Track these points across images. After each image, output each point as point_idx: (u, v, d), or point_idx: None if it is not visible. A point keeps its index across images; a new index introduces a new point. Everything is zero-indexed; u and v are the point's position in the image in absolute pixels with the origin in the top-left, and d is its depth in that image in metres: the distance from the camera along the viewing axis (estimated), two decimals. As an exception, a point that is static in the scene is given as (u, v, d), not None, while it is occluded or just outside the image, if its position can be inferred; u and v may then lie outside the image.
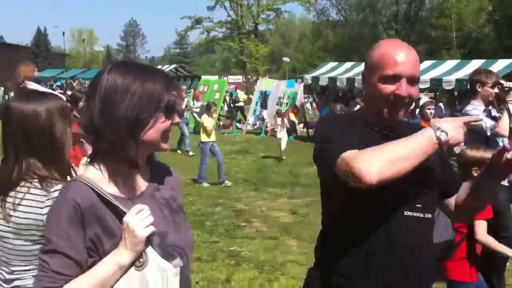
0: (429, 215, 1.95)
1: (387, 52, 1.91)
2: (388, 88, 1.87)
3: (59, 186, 1.92)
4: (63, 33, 64.88)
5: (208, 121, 10.54)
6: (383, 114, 1.92)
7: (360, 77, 15.59)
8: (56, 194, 1.86)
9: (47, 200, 1.93)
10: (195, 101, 18.89)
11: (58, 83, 32.19)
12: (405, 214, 1.87)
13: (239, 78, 58.40)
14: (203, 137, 10.55)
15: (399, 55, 1.88)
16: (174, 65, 32.34)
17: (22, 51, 71.25)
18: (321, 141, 1.98)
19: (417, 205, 1.90)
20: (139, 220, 1.43)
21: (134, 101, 1.49)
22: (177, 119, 1.60)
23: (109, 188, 1.52)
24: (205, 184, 10.36)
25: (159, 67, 26.77)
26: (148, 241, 1.44)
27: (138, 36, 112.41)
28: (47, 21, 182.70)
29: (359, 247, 1.90)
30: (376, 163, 1.67)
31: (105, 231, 1.47)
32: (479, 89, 4.96)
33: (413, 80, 1.88)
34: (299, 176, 11.44)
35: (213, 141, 10.63)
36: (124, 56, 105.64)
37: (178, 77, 29.35)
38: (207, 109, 10.99)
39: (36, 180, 1.97)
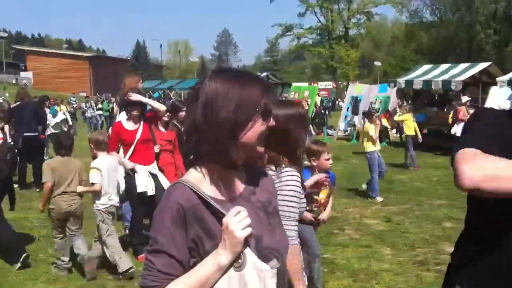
0: None
1: None
2: None
3: (287, 169, 2.57)
4: (161, 45, 67.75)
5: (371, 128, 9.83)
6: None
7: (457, 79, 15.01)
8: (284, 175, 2.57)
9: (278, 179, 2.52)
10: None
11: (156, 94, 33.49)
12: None
13: (329, 84, 57.97)
14: (369, 146, 9.82)
15: None
16: (265, 73, 32.73)
17: (122, 63, 75.45)
18: (462, 131, 1.86)
19: None
20: (238, 221, 1.45)
21: (234, 104, 1.53)
22: (273, 122, 1.62)
23: (209, 190, 1.57)
24: (379, 199, 9.48)
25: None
26: (246, 242, 1.46)
27: (231, 45, 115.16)
28: (146, 35, 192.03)
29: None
30: (484, 170, 1.53)
31: (205, 232, 1.51)
32: None
33: None
34: (392, 183, 11.18)
35: (378, 150, 9.98)
36: (217, 66, 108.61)
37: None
38: (368, 115, 10.41)
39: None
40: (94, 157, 5.76)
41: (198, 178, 1.59)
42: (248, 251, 1.47)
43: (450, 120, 15.77)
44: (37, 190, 10.31)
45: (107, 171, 5.65)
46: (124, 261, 5.52)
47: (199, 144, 1.59)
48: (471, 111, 10.69)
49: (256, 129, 1.57)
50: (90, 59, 67.11)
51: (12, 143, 8.81)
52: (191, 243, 1.51)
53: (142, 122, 6.20)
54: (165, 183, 6.18)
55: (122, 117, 6.38)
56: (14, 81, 58.32)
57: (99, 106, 28.25)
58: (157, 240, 1.51)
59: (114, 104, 20.41)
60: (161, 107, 6.46)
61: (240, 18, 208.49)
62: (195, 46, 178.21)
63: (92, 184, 5.54)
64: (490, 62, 19.40)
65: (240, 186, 1.66)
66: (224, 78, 1.59)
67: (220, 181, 1.60)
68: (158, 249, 1.49)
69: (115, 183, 5.80)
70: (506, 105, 10.92)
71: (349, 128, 21.74)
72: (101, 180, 5.55)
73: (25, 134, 10.28)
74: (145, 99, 6.46)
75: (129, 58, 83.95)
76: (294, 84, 32.12)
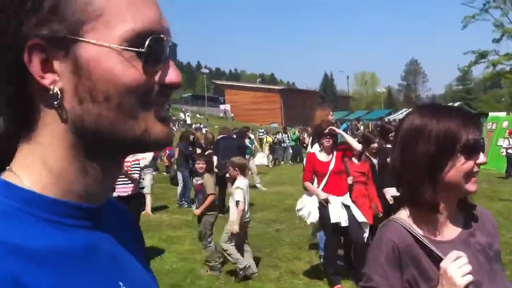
0: None
1: None
2: None
3: None
4: (347, 77, 68.23)
5: None
6: None
7: None
8: None
9: None
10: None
11: (344, 125, 33.69)
12: None
13: (531, 113, 52.92)
14: None
15: None
16: (457, 103, 31.23)
17: (311, 95, 77.79)
18: None
19: None
20: (458, 267, 1.38)
21: (431, 140, 1.47)
22: (482, 159, 1.49)
23: (423, 230, 1.53)
24: None
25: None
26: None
27: (419, 74, 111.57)
28: (333, 67, 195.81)
29: None
30: None
31: (421, 274, 1.47)
32: None
33: None
34: None
35: None
36: (404, 96, 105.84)
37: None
38: None
39: None
40: (234, 178, 6.78)
41: (411, 217, 1.55)
42: None
43: None
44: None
45: (246, 190, 6.64)
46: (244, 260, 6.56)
47: (399, 183, 1.60)
48: None
49: (459, 167, 1.47)
50: (281, 91, 70.63)
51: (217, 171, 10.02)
52: (406, 284, 1.47)
53: (335, 153, 6.41)
54: (358, 215, 6.26)
55: (315, 148, 6.68)
56: (217, 114, 63.59)
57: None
58: (372, 278, 1.50)
59: (305, 134, 21.12)
60: (357, 147, 6.62)
61: (428, 47, 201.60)
62: (382, 76, 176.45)
63: (237, 201, 6.48)
64: None
65: (457, 227, 1.57)
66: (421, 112, 1.55)
67: (434, 221, 1.54)
68: (372, 287, 1.49)
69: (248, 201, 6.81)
70: None
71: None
72: (243, 198, 6.51)
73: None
74: (344, 135, 6.71)
75: (317, 90, 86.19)
76: (490, 114, 30.03)
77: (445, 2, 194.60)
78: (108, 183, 0.78)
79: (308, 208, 6.43)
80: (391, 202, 6.88)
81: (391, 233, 1.53)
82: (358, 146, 6.63)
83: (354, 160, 6.91)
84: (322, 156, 6.41)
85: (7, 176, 0.71)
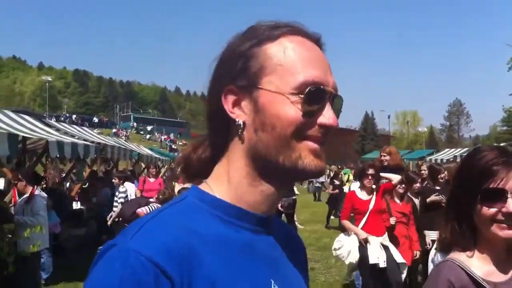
0: None
1: None
2: None
3: None
4: (389, 116, 67.75)
5: None
6: None
7: None
8: None
9: None
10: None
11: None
12: None
13: None
14: None
15: None
16: (502, 143, 30.34)
17: (351, 134, 77.50)
18: None
19: None
20: None
21: (473, 172, 1.57)
22: (510, 207, 1.48)
23: (478, 271, 1.53)
24: None
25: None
26: None
27: (462, 115, 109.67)
28: (375, 105, 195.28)
29: None
30: None
31: None
32: None
33: None
34: None
35: None
36: (446, 136, 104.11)
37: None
38: None
39: None
40: None
41: (466, 258, 1.56)
42: None
43: None
44: None
45: None
46: None
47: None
48: None
49: (484, 212, 1.51)
50: (323, 130, 70.62)
51: None
52: None
53: (375, 193, 6.32)
54: (397, 256, 6.14)
55: (355, 186, 6.59)
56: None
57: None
58: None
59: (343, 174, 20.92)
60: (396, 178, 6.54)
61: (473, 87, 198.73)
62: (424, 116, 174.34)
63: None
64: None
65: (510, 268, 1.57)
66: (476, 152, 1.62)
67: (488, 262, 1.56)
68: None
69: None
70: None
71: None
72: None
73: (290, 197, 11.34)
74: (385, 175, 6.64)
75: (357, 129, 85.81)
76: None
77: (491, 43, 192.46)
78: (273, 201, 1.00)
79: (347, 248, 6.32)
80: (428, 246, 6.73)
81: (447, 271, 1.53)
82: (397, 178, 6.52)
83: (397, 200, 6.80)
84: (363, 195, 6.33)
85: (202, 185, 1.00)
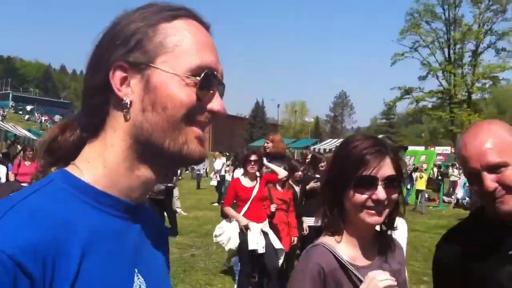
0: None
1: None
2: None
3: None
4: (278, 106, 69.42)
5: None
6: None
7: None
8: None
9: None
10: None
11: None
12: None
13: (447, 149, 55.71)
14: None
15: None
16: (380, 136, 32.23)
17: (240, 121, 78.20)
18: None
19: None
20: (382, 278, 1.49)
21: (336, 170, 1.67)
22: (379, 195, 1.56)
23: (345, 255, 1.60)
24: None
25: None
26: None
27: (346, 107, 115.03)
28: (266, 95, 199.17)
29: None
30: None
31: None
32: None
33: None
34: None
35: None
36: (331, 127, 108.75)
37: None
38: None
39: None
40: None
41: (335, 242, 1.63)
42: None
43: None
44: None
45: None
46: None
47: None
48: None
49: (355, 198, 1.58)
50: (210, 116, 70.35)
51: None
52: None
53: (259, 180, 6.38)
54: (276, 242, 6.27)
55: (238, 173, 6.63)
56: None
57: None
58: None
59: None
60: (282, 173, 6.66)
61: (358, 81, 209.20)
62: (312, 106, 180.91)
63: None
64: None
65: (373, 254, 1.67)
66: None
67: (355, 247, 1.63)
68: None
69: None
70: None
71: (467, 197, 20.63)
72: None
73: (168, 185, 11.17)
74: (270, 165, 6.71)
75: (247, 116, 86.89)
76: (410, 147, 31.34)
77: (377, 39, 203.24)
78: (147, 187, 0.97)
79: (228, 234, 6.34)
80: (305, 232, 6.97)
81: (317, 256, 1.58)
82: (283, 173, 6.63)
83: (278, 187, 6.92)
84: (246, 182, 6.35)
85: (71, 168, 0.93)
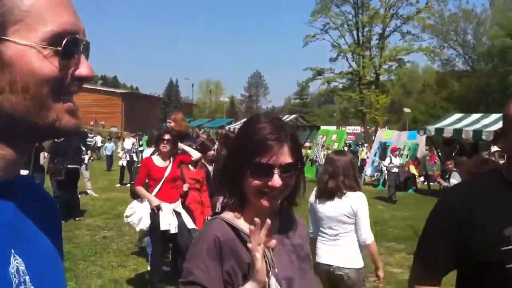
0: None
1: None
2: None
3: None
4: (192, 85, 68.40)
5: None
6: None
7: (489, 129, 14.80)
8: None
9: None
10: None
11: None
12: None
13: (357, 129, 57.85)
14: None
15: None
16: (294, 115, 32.91)
17: (154, 101, 76.74)
18: (423, 232, 2.12)
19: None
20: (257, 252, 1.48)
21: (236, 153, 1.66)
22: (275, 182, 1.56)
23: (245, 228, 1.60)
24: None
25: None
26: (268, 272, 1.49)
27: (261, 87, 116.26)
28: (179, 73, 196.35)
29: None
30: None
31: (240, 266, 1.54)
32: None
33: None
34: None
35: None
36: (246, 106, 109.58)
37: (298, 127, 29.77)
38: None
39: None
40: None
41: (234, 218, 1.64)
42: (272, 280, 1.50)
43: (479, 170, 15.59)
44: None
45: None
46: None
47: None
48: (501, 162, 10.65)
49: (252, 182, 1.58)
50: (123, 95, 68.45)
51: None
52: (226, 275, 1.53)
53: (172, 159, 6.30)
54: (189, 222, 6.22)
55: (148, 152, 6.51)
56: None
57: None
58: (192, 272, 1.53)
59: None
60: (196, 154, 6.60)
61: (272, 61, 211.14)
62: (227, 86, 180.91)
63: None
64: (522, 114, 19.17)
65: (273, 229, 1.65)
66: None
67: (251, 222, 1.61)
68: (192, 281, 1.51)
69: None
70: None
71: (376, 174, 21.59)
72: None
73: (68, 166, 10.83)
74: (183, 146, 6.63)
75: (161, 96, 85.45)
76: (322, 127, 32.19)
77: (290, 20, 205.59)
78: (13, 165, 0.87)
79: (139, 214, 6.22)
80: (218, 211, 6.97)
81: (214, 228, 1.60)
82: (197, 155, 6.58)
83: (190, 167, 6.86)
84: (159, 161, 6.24)
85: None
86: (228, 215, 1.65)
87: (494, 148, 15.63)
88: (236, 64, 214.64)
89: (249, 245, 1.48)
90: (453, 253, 1.89)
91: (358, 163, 24.40)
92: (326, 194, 4.19)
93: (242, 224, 1.62)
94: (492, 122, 17.22)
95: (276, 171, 1.56)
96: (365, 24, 52.42)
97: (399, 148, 19.76)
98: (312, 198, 4.37)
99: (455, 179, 10.74)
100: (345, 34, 53.59)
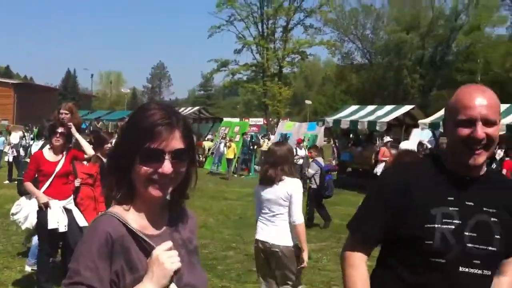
0: (488, 272, 1.99)
1: (461, 97, 1.98)
2: (464, 131, 1.93)
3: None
4: (92, 75, 65.99)
5: None
6: (463, 159, 1.96)
7: (382, 120, 15.67)
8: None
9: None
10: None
11: (84, 125, 32.42)
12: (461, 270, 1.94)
13: (260, 121, 58.74)
14: None
15: (472, 99, 1.93)
16: (197, 107, 32.62)
17: (50, 92, 73.12)
18: (362, 204, 2.22)
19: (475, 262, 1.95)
20: (168, 255, 1.45)
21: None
22: (165, 169, 1.52)
23: (134, 224, 1.55)
24: None
25: (182, 109, 27.03)
26: (172, 277, 1.45)
27: (165, 78, 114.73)
28: (78, 64, 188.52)
29: None
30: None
31: (128, 265, 1.49)
32: None
33: (489, 122, 1.92)
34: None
35: None
36: (149, 98, 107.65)
37: (200, 119, 29.61)
38: None
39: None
40: None
41: (123, 211, 1.57)
42: (173, 286, 1.47)
43: (372, 160, 16.36)
44: None
45: None
46: None
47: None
48: (393, 151, 11.22)
49: (142, 170, 1.52)
50: (15, 86, 64.63)
51: None
52: (114, 275, 1.47)
53: (64, 154, 5.98)
54: (80, 219, 5.96)
55: (38, 146, 6.18)
56: None
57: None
58: (79, 271, 1.43)
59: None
60: (90, 152, 6.32)
61: (176, 52, 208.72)
62: (128, 77, 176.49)
63: None
64: (414, 105, 20.41)
65: (163, 223, 1.65)
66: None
67: (144, 216, 1.60)
68: (79, 281, 1.42)
69: None
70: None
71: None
72: None
73: None
74: (79, 138, 6.31)
75: (57, 87, 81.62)
76: (225, 119, 32.26)
77: (195, 9, 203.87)
78: None
79: (25, 212, 5.88)
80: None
81: (105, 224, 1.52)
82: (91, 152, 6.30)
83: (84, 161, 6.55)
84: (50, 155, 5.89)
85: None
86: (116, 209, 1.58)
87: (387, 139, 16.49)
88: (139, 55, 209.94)
89: (159, 253, 1.45)
90: (386, 227, 2.06)
91: (260, 154, 24.74)
92: (266, 181, 4.72)
93: (132, 219, 1.56)
94: (385, 113, 18.13)
95: (167, 156, 1.51)
96: (270, 16, 53.29)
97: (302, 140, 20.28)
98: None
99: (312, 169, 11.19)
100: (250, 26, 54.20)
